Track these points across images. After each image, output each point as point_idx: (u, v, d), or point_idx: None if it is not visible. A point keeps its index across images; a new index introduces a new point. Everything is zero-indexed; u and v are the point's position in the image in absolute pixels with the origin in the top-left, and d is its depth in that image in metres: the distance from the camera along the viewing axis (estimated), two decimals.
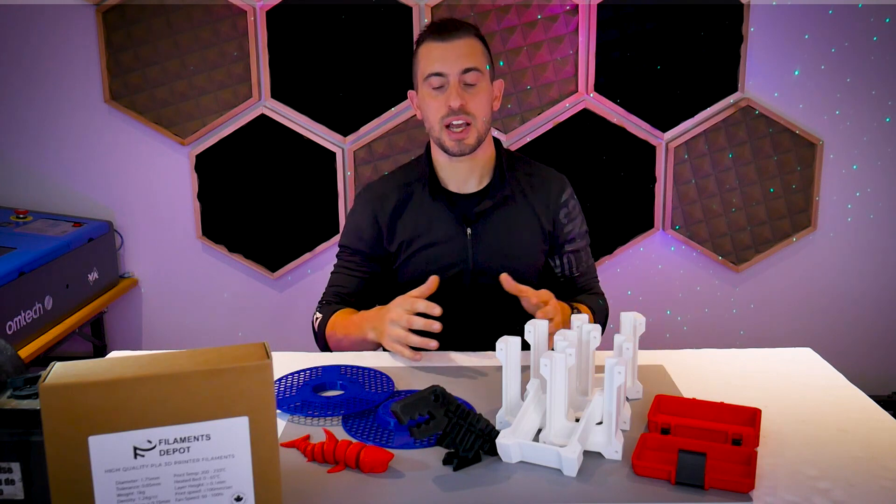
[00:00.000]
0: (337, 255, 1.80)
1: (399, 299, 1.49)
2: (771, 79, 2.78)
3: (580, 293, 1.79)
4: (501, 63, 2.74)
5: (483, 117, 1.64)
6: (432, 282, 1.49)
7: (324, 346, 1.67)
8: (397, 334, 1.46)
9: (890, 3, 2.71)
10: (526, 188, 1.73)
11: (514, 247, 1.69)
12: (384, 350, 1.58)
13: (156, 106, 2.77)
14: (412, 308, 1.45)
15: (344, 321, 1.63)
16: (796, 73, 2.77)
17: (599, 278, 1.87)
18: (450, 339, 1.60)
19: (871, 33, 2.74)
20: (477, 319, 1.69)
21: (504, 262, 1.65)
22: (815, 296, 2.96)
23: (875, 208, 2.89)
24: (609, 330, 1.78)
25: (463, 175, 1.71)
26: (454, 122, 1.61)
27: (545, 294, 1.47)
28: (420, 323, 1.44)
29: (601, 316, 1.75)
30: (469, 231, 1.68)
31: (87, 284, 2.65)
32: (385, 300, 1.75)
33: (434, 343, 1.45)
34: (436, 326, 1.44)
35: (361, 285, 1.75)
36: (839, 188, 2.87)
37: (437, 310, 1.44)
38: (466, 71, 1.60)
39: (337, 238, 2.77)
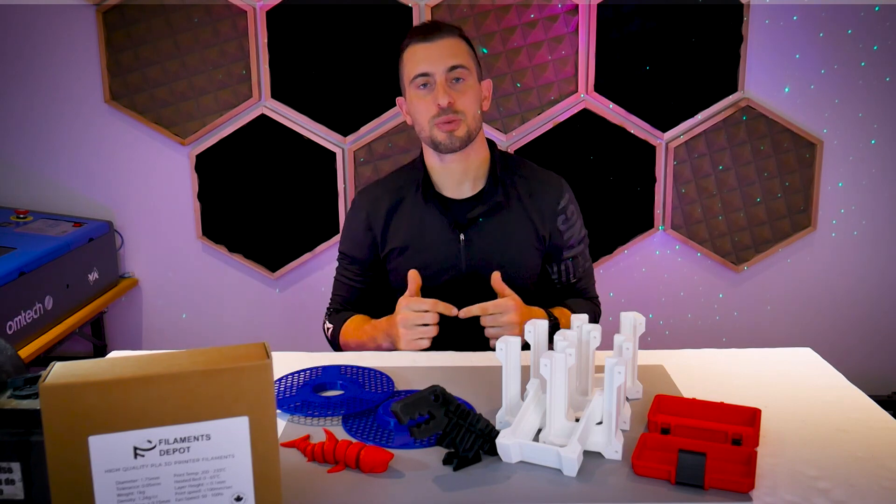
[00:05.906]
0: (338, 260, 1.81)
1: (402, 302, 1.52)
2: (768, 85, 2.79)
3: (574, 297, 1.79)
4: (499, 63, 2.74)
5: (472, 114, 1.63)
6: (413, 277, 1.55)
7: (339, 350, 1.71)
8: (413, 333, 1.51)
9: (878, 32, 2.75)
10: (522, 193, 1.70)
11: (508, 253, 1.67)
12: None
13: (156, 106, 2.77)
14: (418, 307, 1.50)
15: (356, 331, 1.66)
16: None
17: (598, 279, 1.86)
18: (447, 342, 1.60)
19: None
20: (471, 325, 1.66)
21: (497, 269, 1.65)
22: (815, 296, 2.96)
23: (873, 211, 2.90)
24: (609, 331, 1.77)
25: (456, 178, 1.69)
26: (444, 121, 1.61)
27: (504, 304, 1.52)
28: (430, 318, 1.50)
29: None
30: (462, 237, 1.67)
31: (87, 284, 2.65)
32: (382, 303, 1.77)
33: (454, 310, 1.52)
34: (453, 311, 1.51)
35: (362, 294, 1.78)
36: (838, 189, 2.87)
37: (453, 310, 1.52)
38: (452, 69, 1.59)
39: (337, 237, 2.78)
